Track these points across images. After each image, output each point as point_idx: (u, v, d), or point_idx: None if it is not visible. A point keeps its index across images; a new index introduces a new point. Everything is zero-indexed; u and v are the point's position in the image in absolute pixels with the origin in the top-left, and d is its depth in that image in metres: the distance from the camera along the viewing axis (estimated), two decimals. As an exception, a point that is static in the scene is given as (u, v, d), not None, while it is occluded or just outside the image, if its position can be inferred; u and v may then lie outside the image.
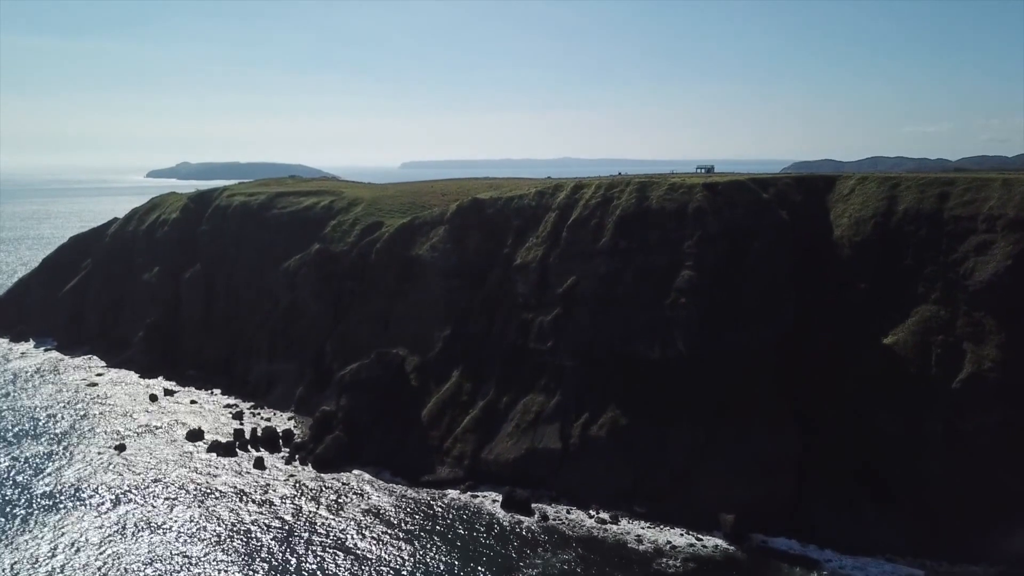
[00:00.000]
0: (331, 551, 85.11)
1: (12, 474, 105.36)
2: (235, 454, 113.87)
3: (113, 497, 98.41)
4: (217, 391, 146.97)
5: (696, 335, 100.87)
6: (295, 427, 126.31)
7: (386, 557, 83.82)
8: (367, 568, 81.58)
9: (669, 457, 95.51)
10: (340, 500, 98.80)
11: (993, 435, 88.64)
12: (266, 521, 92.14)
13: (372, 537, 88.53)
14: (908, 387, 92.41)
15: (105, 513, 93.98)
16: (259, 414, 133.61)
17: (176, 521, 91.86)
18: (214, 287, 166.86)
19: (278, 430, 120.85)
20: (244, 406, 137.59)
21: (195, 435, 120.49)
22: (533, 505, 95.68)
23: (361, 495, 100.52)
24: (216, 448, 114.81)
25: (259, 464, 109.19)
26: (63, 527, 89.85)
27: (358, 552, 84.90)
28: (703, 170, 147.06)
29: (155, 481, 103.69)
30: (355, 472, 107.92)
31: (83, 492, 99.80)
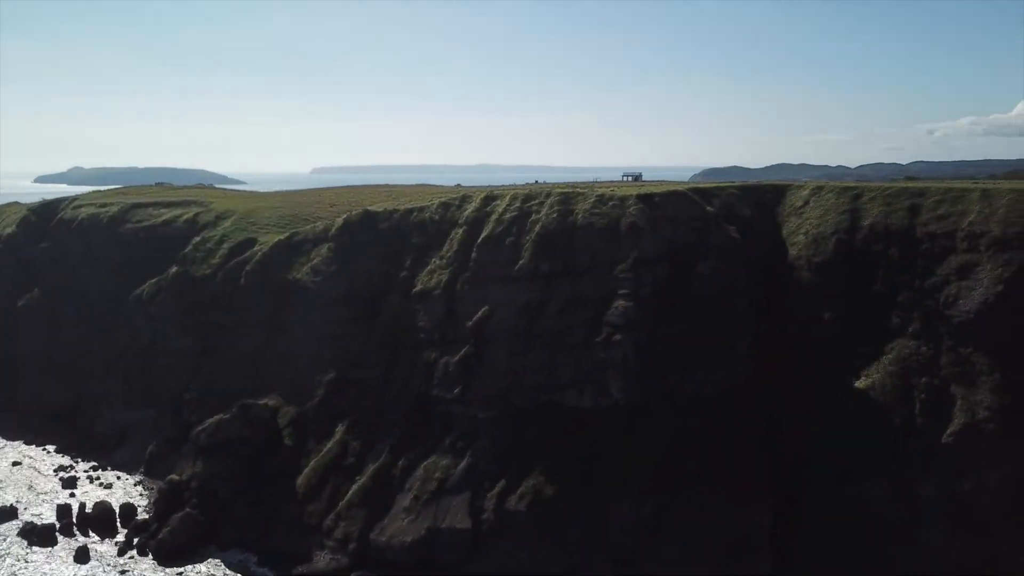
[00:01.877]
0: None
1: None
2: (54, 542, 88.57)
3: None
4: (51, 447, 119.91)
5: (634, 379, 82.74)
6: (142, 496, 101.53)
7: None
8: None
9: (609, 537, 76.64)
10: (185, 608, 75.56)
11: (996, 496, 73.62)
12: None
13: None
14: (891, 442, 76.58)
15: None
16: (99, 479, 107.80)
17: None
18: (58, 317, 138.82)
19: (115, 505, 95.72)
20: (81, 468, 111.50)
21: (4, 514, 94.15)
22: (438, 604, 75.09)
23: (215, 597, 77.57)
24: (29, 534, 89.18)
25: (81, 557, 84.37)
26: None
27: None
28: (630, 178, 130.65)
29: (-68, 591, 77.86)
30: (211, 561, 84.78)
31: None
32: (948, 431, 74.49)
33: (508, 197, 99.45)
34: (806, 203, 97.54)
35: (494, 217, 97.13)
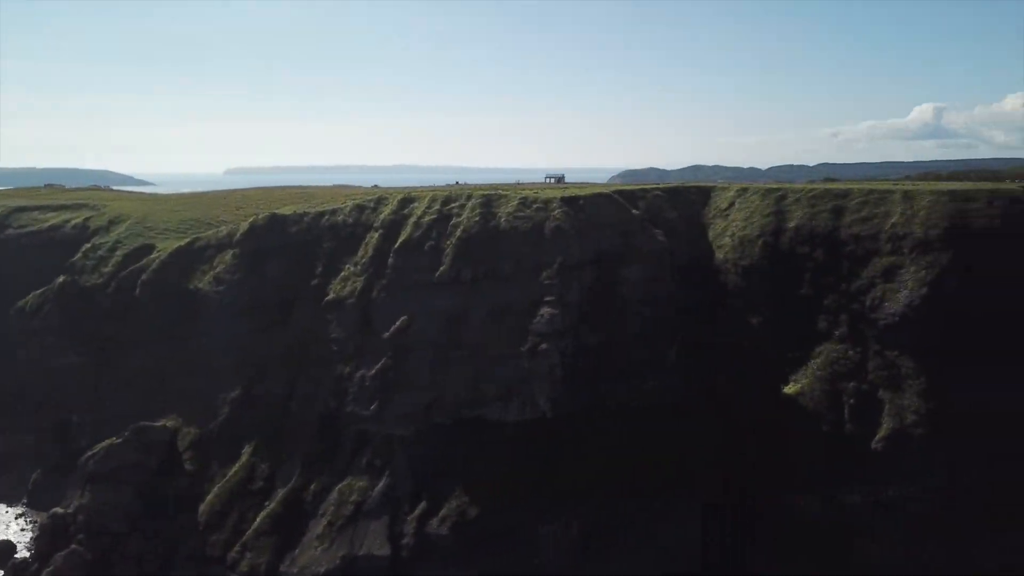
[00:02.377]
0: None
1: None
2: (-85, 589, 78.54)
3: None
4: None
5: (562, 391, 78.90)
6: (23, 531, 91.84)
7: None
8: None
9: (537, 559, 72.45)
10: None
11: (922, 504, 72.94)
12: None
13: None
14: (821, 450, 75.01)
15: None
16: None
17: None
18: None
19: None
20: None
21: None
22: (355, 640, 69.35)
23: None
24: None
25: (-52, 606, 74.95)
26: None
27: None
28: (553, 179, 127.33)
29: None
30: (101, 603, 76.55)
31: None
32: (877, 437, 73.44)
33: (427, 199, 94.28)
34: (731, 205, 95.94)
35: (412, 220, 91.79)
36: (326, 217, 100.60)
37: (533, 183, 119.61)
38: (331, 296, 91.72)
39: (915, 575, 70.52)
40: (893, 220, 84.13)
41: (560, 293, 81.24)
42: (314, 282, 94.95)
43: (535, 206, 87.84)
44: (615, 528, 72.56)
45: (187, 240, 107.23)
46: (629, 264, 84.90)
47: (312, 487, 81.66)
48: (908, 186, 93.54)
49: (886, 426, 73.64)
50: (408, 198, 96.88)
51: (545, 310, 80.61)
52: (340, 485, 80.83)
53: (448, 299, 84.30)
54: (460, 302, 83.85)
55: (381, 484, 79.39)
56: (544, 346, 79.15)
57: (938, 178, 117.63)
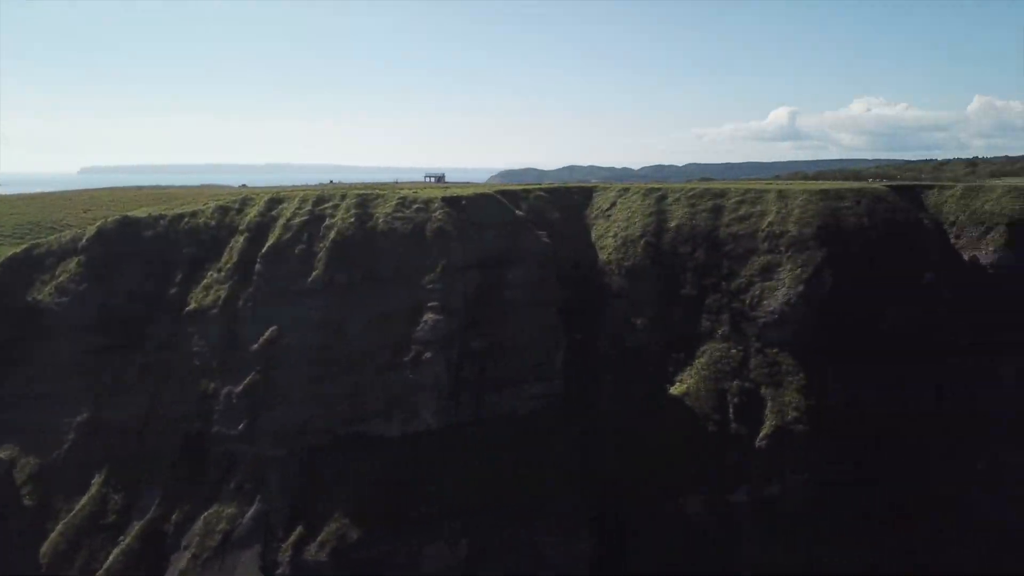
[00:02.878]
0: None
1: None
2: None
3: None
4: None
5: (447, 401, 75.17)
6: None
7: None
8: None
9: (424, 581, 68.35)
10: None
11: (803, 499, 74.21)
12: None
13: None
14: (708, 450, 74.86)
15: None
16: None
17: None
18: None
19: None
20: None
21: None
22: None
23: None
24: None
25: None
26: None
27: None
28: (433, 179, 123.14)
29: None
30: (-81, 668, 66.25)
31: None
32: (761, 435, 74.15)
33: (297, 200, 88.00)
34: (613, 205, 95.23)
35: (281, 222, 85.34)
36: (185, 220, 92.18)
37: (412, 182, 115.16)
38: (192, 306, 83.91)
39: (796, 574, 71.48)
40: (769, 219, 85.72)
41: (444, 298, 77.44)
42: (172, 292, 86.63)
43: (415, 206, 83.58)
44: (504, 543, 69.50)
45: (24, 246, 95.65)
46: (514, 266, 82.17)
47: (174, 517, 74.07)
48: (782, 185, 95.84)
49: (769, 424, 74.48)
50: (276, 199, 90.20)
51: (428, 316, 76.62)
52: (206, 513, 73.72)
53: (322, 307, 78.67)
54: (336, 310, 78.42)
55: (252, 510, 72.97)
56: (428, 355, 75.13)
57: (805, 177, 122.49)
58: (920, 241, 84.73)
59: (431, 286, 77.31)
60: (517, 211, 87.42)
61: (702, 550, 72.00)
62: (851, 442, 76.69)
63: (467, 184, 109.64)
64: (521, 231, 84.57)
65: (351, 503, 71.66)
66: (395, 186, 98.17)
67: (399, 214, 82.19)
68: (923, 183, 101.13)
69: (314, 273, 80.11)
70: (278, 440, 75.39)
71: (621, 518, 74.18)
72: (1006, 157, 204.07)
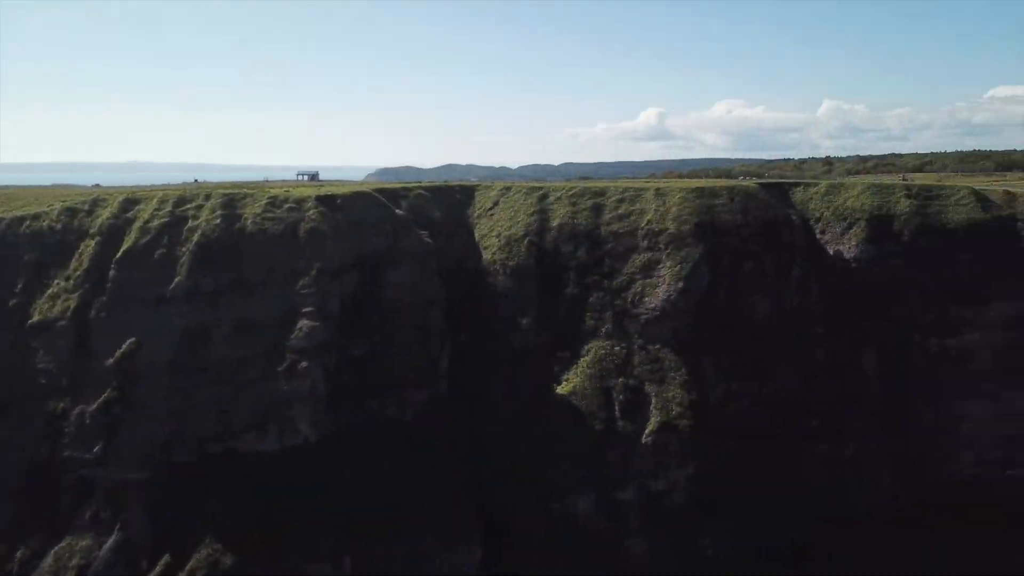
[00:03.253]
0: None
1: None
2: None
3: None
4: None
5: (326, 411, 71.37)
6: None
7: None
8: None
9: (305, 605, 64.39)
10: None
11: (687, 494, 75.28)
12: None
13: None
14: (595, 448, 74.62)
15: None
16: None
17: None
18: None
19: None
20: None
21: None
22: None
23: None
24: None
25: None
26: None
27: None
28: (306, 177, 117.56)
29: None
30: None
31: None
32: (646, 432, 74.56)
33: (156, 200, 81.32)
34: (496, 204, 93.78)
35: (138, 225, 78.59)
36: (27, 223, 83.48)
37: (284, 181, 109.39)
38: (36, 318, 76.08)
39: (681, 574, 72.30)
40: (648, 217, 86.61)
41: (319, 302, 73.47)
42: (13, 302, 78.26)
43: (287, 206, 78.97)
44: (389, 557, 66.54)
45: None
46: (394, 267, 79.18)
47: (18, 555, 66.68)
48: (659, 183, 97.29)
49: (654, 420, 75.01)
50: (132, 199, 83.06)
51: (303, 322, 72.41)
52: (57, 547, 66.81)
53: (185, 315, 72.92)
54: (201, 318, 72.86)
55: (111, 540, 66.69)
56: (304, 363, 71.01)
57: (680, 176, 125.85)
58: (789, 237, 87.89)
59: (306, 290, 73.17)
60: (397, 210, 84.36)
61: (591, 550, 71.63)
62: (729, 434, 78.61)
63: (342, 182, 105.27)
64: (401, 230, 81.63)
65: (224, 526, 66.68)
66: (265, 185, 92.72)
67: (269, 214, 77.39)
68: (790, 180, 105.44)
69: (176, 279, 74.19)
70: (139, 462, 69.25)
71: (510, 522, 72.74)
72: (858, 156, 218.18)
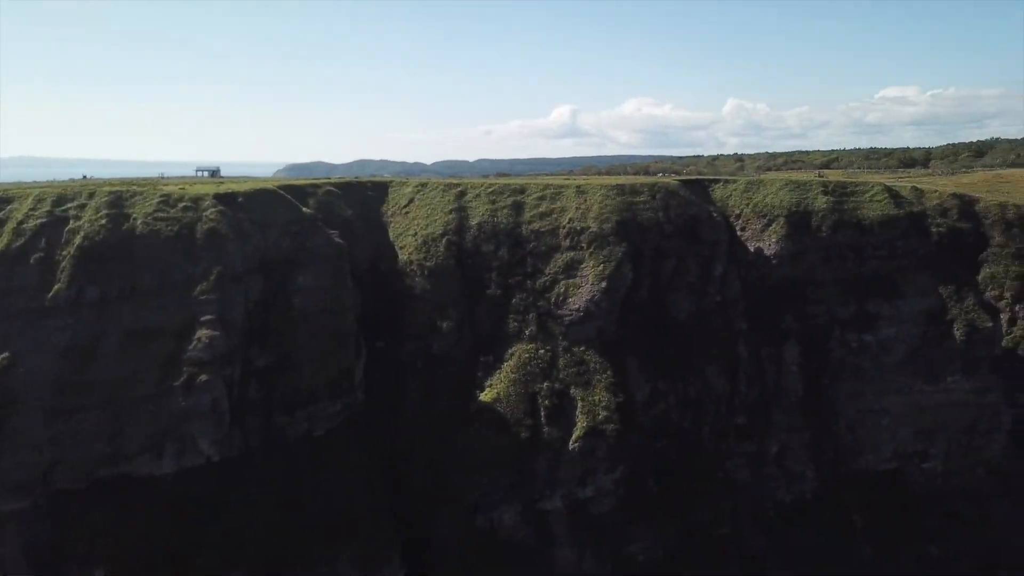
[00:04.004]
0: None
1: None
2: None
3: None
4: None
5: (230, 428, 65.61)
6: None
7: None
8: None
9: (208, 643, 58.66)
10: None
11: (614, 499, 73.13)
12: None
13: None
14: (520, 457, 71.38)
15: None
16: None
17: None
18: None
19: None
20: None
21: None
22: None
23: None
24: None
25: None
26: None
27: None
28: (206, 173, 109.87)
29: None
30: None
31: None
32: (573, 438, 71.87)
33: (31, 199, 73.36)
34: (411, 201, 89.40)
35: (11, 227, 70.57)
36: None
37: (181, 177, 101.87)
38: None
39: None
40: (570, 215, 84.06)
41: (220, 310, 67.52)
42: None
43: (182, 205, 72.49)
44: (304, 585, 61.53)
45: None
46: (303, 270, 73.85)
47: None
48: (580, 181, 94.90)
49: (580, 425, 72.41)
50: (4, 197, 74.72)
51: (202, 332, 66.30)
52: (-85, 595, 58.72)
53: (69, 326, 65.65)
54: (86, 330, 65.74)
55: (-19, 582, 59.11)
56: (203, 377, 64.94)
57: (598, 172, 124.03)
58: (711, 234, 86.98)
59: (204, 297, 67.08)
60: (304, 208, 78.93)
61: (517, 563, 68.54)
62: (656, 435, 77.09)
63: (246, 179, 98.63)
64: (309, 230, 76.32)
65: (116, 558, 60.21)
66: (159, 182, 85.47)
67: (162, 214, 70.78)
68: (709, 177, 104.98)
69: (56, 287, 66.81)
70: (16, 491, 61.84)
71: (433, 537, 68.76)
72: (767, 153, 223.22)
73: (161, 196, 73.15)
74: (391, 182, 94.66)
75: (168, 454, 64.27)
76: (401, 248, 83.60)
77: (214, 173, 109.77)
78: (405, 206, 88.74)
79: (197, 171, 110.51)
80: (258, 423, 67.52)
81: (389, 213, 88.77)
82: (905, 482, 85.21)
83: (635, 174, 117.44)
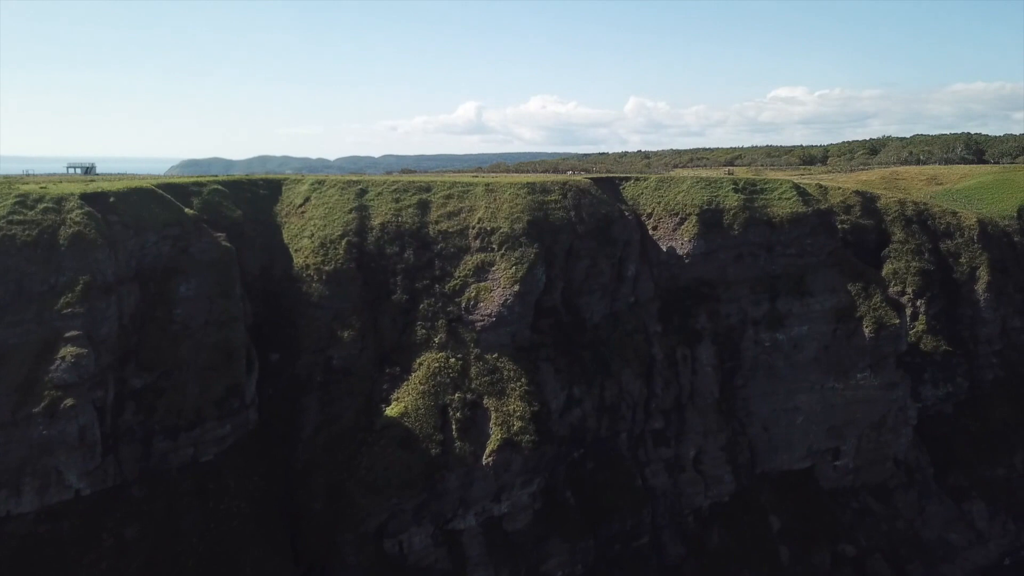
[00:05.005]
0: None
1: None
2: None
3: None
4: None
5: (103, 458, 58.28)
6: None
7: None
8: None
9: None
10: None
11: (529, 514, 69.48)
12: None
13: None
14: (431, 475, 66.52)
15: None
16: None
17: None
18: None
19: None
20: None
21: None
22: None
23: None
24: None
25: None
26: None
27: None
28: (79, 170, 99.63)
29: None
30: None
31: None
32: (487, 452, 67.60)
33: None
34: (307, 200, 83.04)
35: None
36: None
37: (48, 175, 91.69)
38: None
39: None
40: (479, 215, 79.79)
41: (88, 324, 59.90)
42: None
43: (42, 206, 64.14)
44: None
45: None
46: (186, 278, 66.91)
47: None
48: (488, 178, 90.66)
49: (494, 438, 68.21)
50: None
51: (67, 350, 58.47)
52: None
53: (-98, 349, 56.76)
54: (-76, 352, 56.97)
55: None
56: (69, 401, 57.25)
57: (507, 169, 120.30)
58: (623, 233, 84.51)
59: (69, 310, 59.28)
60: (187, 209, 71.67)
61: (431, 592, 63.78)
62: (573, 443, 73.94)
63: (122, 176, 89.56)
64: (192, 234, 69.27)
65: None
66: (17, 180, 76.04)
67: (18, 216, 62.33)
68: (620, 175, 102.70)
69: None
70: None
71: (336, 567, 63.14)
72: (672, 150, 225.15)
73: (17, 196, 64.54)
74: (285, 179, 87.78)
75: (28, 490, 56.40)
76: (296, 251, 77.27)
77: (88, 170, 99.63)
78: (301, 205, 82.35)
79: (68, 168, 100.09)
80: (136, 451, 60.38)
81: (283, 213, 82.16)
82: (818, 480, 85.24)
83: (544, 172, 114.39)
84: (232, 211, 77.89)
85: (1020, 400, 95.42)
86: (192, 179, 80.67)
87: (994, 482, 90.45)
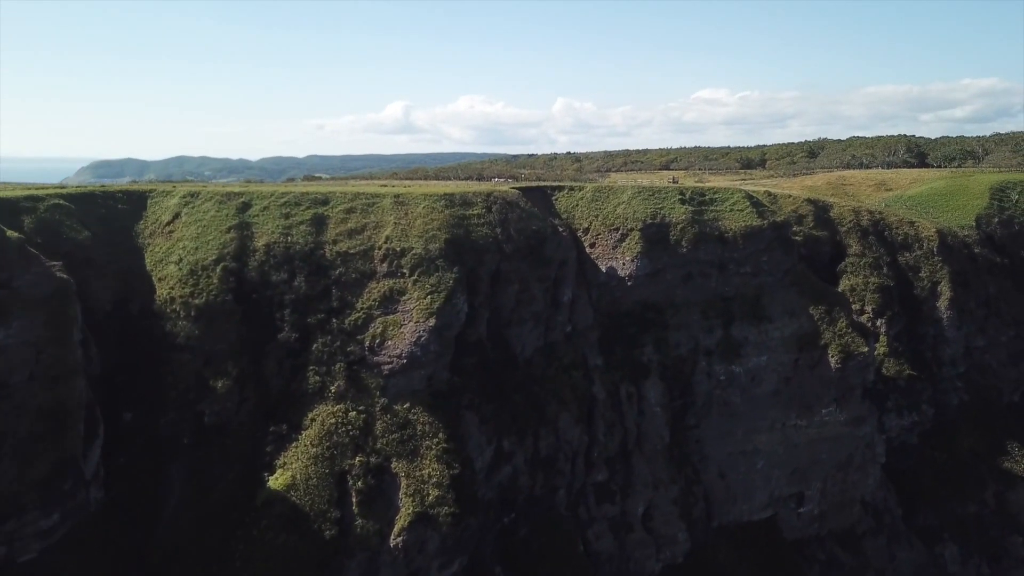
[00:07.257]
0: None
1: None
2: None
3: None
4: None
5: None
6: None
7: None
8: None
9: None
10: None
11: (454, 602, 56.91)
12: None
13: None
14: (329, 565, 53.35)
15: None
16: None
17: None
18: None
19: None
20: None
21: None
22: None
23: None
24: None
25: None
26: None
27: None
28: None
29: None
30: None
31: None
32: (395, 530, 54.79)
33: None
34: (176, 216, 68.50)
35: None
36: None
37: None
38: None
39: None
40: (387, 233, 66.87)
41: None
42: None
43: None
44: None
45: None
46: (3, 321, 51.95)
47: None
48: (399, 188, 77.63)
49: (405, 512, 55.46)
50: None
51: None
52: None
53: None
54: None
55: None
56: None
57: (426, 175, 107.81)
58: (557, 253, 72.98)
59: None
60: (10, 232, 56.45)
61: None
62: (502, 507, 61.83)
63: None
64: (16, 263, 54.14)
65: None
66: None
67: None
68: (551, 184, 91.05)
69: None
70: None
71: None
72: (604, 152, 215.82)
73: None
74: (151, 191, 72.63)
75: None
76: (160, 281, 62.80)
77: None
78: (168, 223, 67.80)
79: None
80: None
81: (147, 233, 67.43)
82: (781, 530, 75.38)
83: (467, 178, 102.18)
84: (77, 232, 62.80)
85: (987, 427, 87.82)
86: (26, 192, 65.07)
87: (965, 520, 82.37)
